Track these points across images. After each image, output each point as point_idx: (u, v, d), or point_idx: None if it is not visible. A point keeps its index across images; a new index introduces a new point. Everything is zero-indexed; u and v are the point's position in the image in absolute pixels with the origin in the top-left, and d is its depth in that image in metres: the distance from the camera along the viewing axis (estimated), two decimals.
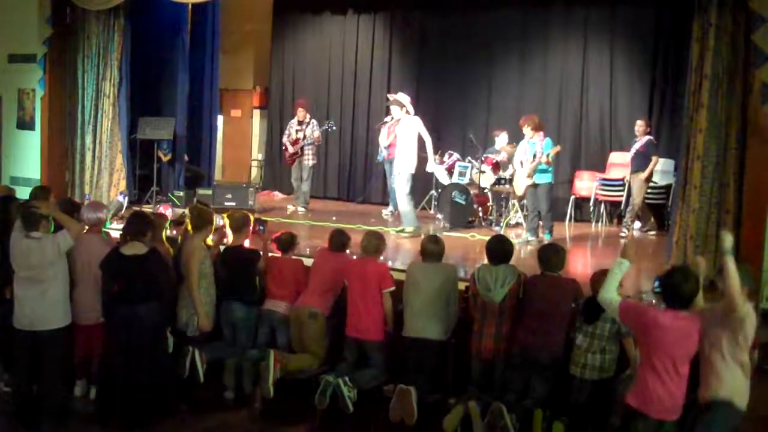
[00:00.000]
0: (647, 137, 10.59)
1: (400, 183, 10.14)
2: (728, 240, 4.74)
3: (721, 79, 7.73)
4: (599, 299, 5.04)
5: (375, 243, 6.81)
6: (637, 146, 10.66)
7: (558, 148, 9.70)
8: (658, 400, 4.68)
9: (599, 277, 5.57)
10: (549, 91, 12.51)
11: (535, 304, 5.99)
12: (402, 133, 10.30)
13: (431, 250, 6.63)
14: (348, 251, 7.22)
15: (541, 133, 9.81)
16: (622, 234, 10.77)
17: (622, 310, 4.86)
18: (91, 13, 11.66)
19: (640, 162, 10.65)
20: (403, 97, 10.57)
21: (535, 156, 9.66)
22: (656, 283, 6.34)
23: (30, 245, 6.05)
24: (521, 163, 9.95)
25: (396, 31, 13.87)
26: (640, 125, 10.69)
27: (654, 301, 6.48)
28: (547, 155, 9.53)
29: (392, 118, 10.54)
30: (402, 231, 10.13)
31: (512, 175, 11.04)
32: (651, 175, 10.68)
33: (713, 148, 7.78)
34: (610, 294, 4.91)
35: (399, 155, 10.24)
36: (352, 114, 14.07)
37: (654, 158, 10.56)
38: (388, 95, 10.84)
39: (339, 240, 7.13)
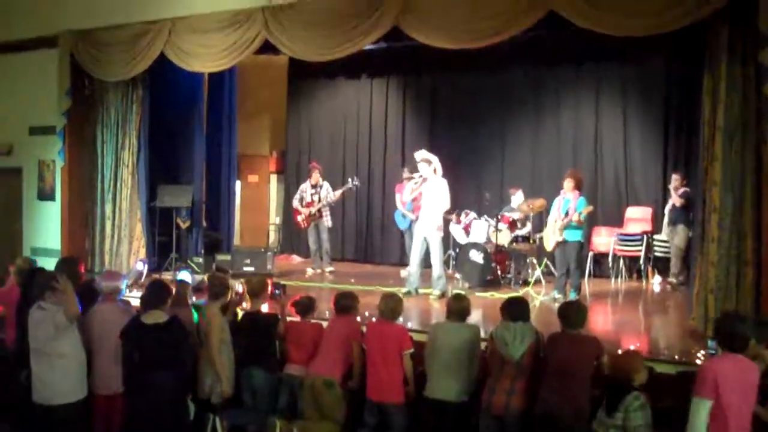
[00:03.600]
0: (683, 189, 10.71)
1: (436, 245, 9.97)
2: None
3: (733, 131, 7.72)
4: None
5: (392, 305, 6.78)
6: (674, 199, 10.82)
7: (590, 208, 9.74)
8: None
9: (624, 362, 5.58)
10: (563, 147, 12.57)
11: (557, 362, 5.92)
12: (429, 194, 10.10)
13: (454, 307, 6.62)
14: (356, 313, 7.22)
15: (577, 191, 9.84)
16: (673, 281, 10.96)
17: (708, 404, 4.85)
18: (110, 84, 11.90)
19: (679, 214, 10.83)
20: (432, 156, 10.30)
21: (567, 213, 9.68)
22: (711, 344, 6.29)
23: (38, 316, 6.08)
24: (555, 220, 9.93)
25: (409, 93, 14.03)
26: (676, 179, 10.90)
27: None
28: (579, 214, 9.55)
29: (420, 176, 10.44)
30: (432, 292, 10.03)
31: (529, 233, 11.06)
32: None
33: (729, 200, 7.74)
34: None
35: (428, 216, 10.04)
36: (367, 176, 14.14)
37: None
38: (416, 153, 10.61)
39: (341, 304, 7.12)
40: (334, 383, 6.62)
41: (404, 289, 10.17)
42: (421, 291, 10.25)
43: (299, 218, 12.24)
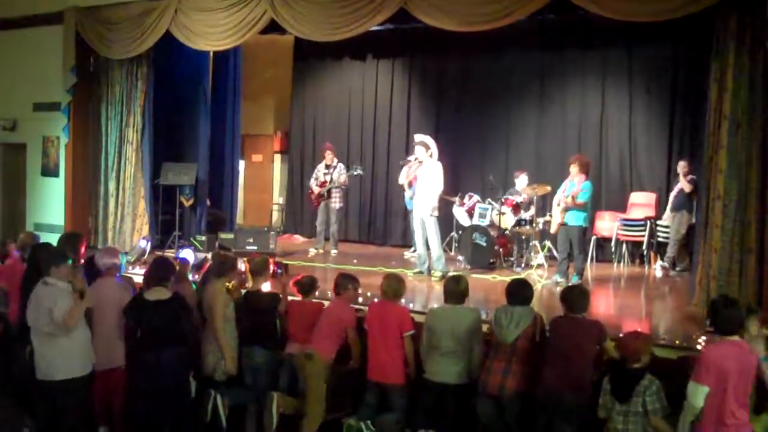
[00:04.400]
0: (691, 176, 10.68)
1: (431, 227, 9.95)
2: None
3: (740, 119, 7.71)
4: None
5: (394, 286, 6.79)
6: (680, 185, 10.83)
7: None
8: None
9: (630, 342, 5.59)
10: (568, 132, 12.52)
11: (559, 346, 5.94)
12: (424, 177, 10.07)
13: (452, 289, 6.60)
14: (353, 295, 7.22)
15: (584, 175, 9.83)
16: (665, 265, 11.02)
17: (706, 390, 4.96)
18: (115, 61, 11.89)
19: (683, 200, 10.83)
20: (429, 140, 10.29)
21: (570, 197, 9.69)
22: (708, 322, 6.31)
23: (42, 292, 6.05)
24: (558, 203, 9.93)
25: (414, 75, 13.98)
26: (683, 166, 10.84)
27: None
28: (573, 197, 9.54)
29: (415, 159, 10.49)
30: (432, 274, 10.06)
31: (532, 216, 11.05)
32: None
33: (734, 188, 7.73)
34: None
35: (422, 199, 10.02)
36: (372, 157, 14.13)
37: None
38: (415, 135, 10.73)
39: (335, 283, 7.17)
40: (313, 354, 6.65)
41: (415, 270, 10.30)
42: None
43: (312, 197, 12.31)
